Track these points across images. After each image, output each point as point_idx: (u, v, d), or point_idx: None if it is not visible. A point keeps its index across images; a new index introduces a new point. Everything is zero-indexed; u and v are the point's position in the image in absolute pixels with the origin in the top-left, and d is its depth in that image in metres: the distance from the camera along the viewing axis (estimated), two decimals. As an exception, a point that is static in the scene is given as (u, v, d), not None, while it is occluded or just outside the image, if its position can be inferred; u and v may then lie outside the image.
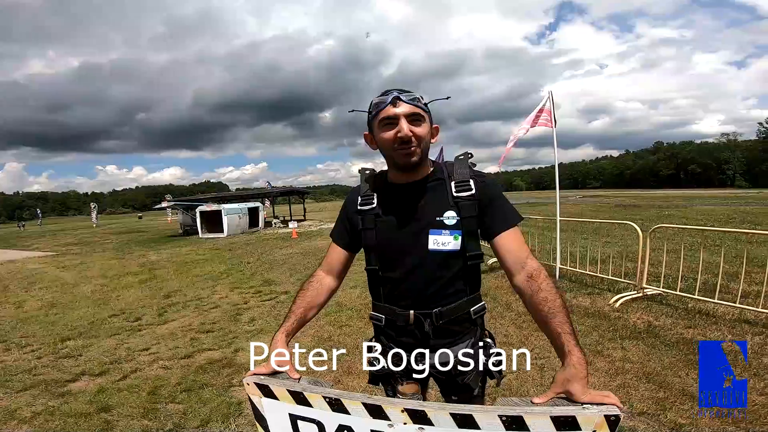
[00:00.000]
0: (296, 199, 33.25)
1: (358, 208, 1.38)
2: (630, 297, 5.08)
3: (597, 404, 0.96)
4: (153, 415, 2.92)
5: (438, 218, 1.28)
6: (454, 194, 1.29)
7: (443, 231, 1.27)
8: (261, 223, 22.83)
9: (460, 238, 1.28)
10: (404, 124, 1.22)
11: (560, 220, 6.86)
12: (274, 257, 11.04)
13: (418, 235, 1.29)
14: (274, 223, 23.51)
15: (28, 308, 6.69)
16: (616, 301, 4.99)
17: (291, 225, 20.41)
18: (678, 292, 4.86)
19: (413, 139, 1.23)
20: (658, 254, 6.00)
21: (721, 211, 18.12)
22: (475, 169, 1.35)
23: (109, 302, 6.79)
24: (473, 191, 1.29)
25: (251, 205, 22.78)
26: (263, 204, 25.84)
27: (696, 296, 4.61)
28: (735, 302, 4.27)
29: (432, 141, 1.33)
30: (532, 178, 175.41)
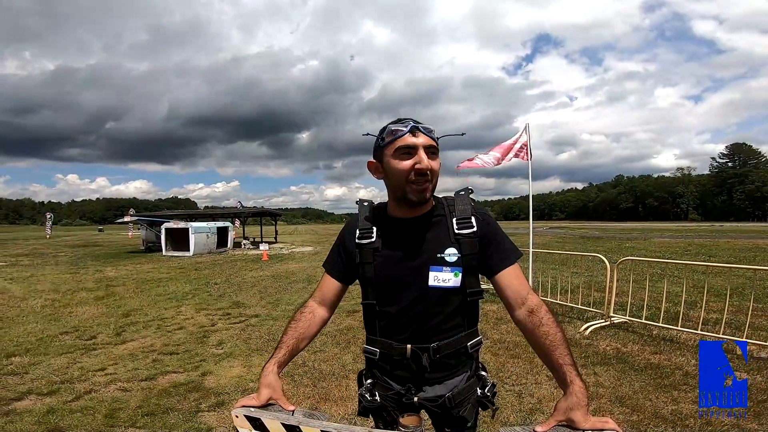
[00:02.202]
0: (268, 220, 32.63)
1: (357, 241, 1.33)
2: (599, 325, 5.24)
3: (598, 430, 0.98)
4: (110, 441, 2.68)
5: (439, 254, 1.25)
6: (456, 231, 1.27)
7: (444, 268, 1.25)
8: (230, 244, 22.14)
9: (460, 275, 1.26)
10: (423, 156, 1.19)
11: (532, 252, 7.06)
12: (244, 279, 10.69)
13: (418, 270, 1.26)
14: (244, 244, 22.85)
15: (-31, 323, 6.11)
16: (586, 329, 5.13)
17: (262, 247, 19.86)
18: (643, 320, 5.06)
19: (428, 172, 1.21)
20: (623, 284, 6.25)
21: (677, 244, 19.22)
22: (474, 204, 1.34)
23: (61, 318, 6.32)
24: (475, 228, 1.27)
25: (221, 224, 22.12)
26: (233, 224, 25.17)
27: (660, 324, 4.81)
28: (696, 329, 4.50)
29: None
30: (501, 209, 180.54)
